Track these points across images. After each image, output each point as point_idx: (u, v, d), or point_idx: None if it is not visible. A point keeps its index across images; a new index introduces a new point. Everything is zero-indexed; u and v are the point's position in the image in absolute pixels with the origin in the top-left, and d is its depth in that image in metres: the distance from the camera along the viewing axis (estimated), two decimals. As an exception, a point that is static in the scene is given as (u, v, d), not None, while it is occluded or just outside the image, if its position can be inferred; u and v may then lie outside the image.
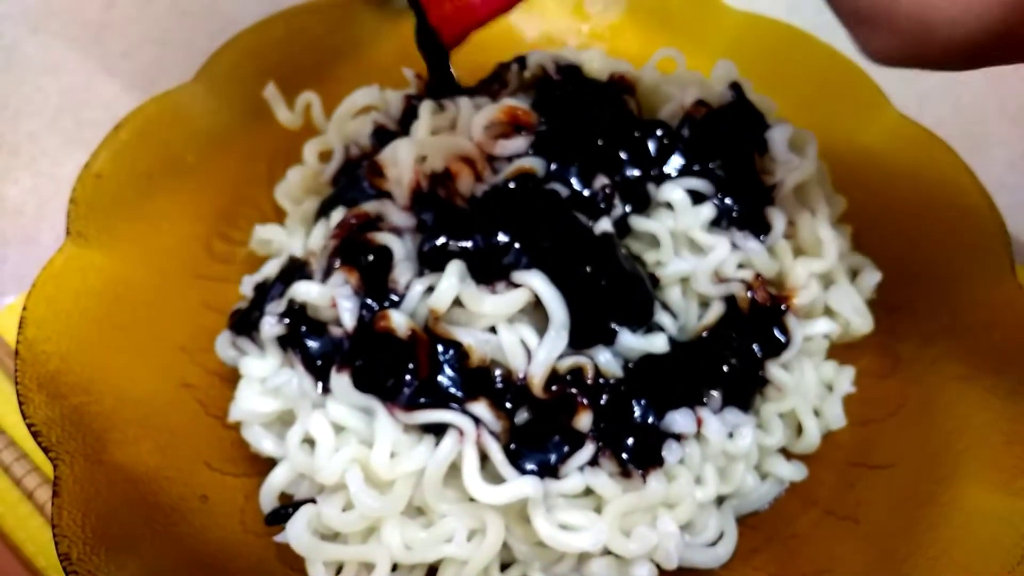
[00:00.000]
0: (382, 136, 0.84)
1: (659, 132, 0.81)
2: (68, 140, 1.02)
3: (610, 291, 0.71)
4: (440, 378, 0.68)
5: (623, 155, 0.80)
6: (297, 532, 0.65)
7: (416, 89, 0.88)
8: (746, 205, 0.78)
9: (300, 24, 0.97)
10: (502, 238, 0.70)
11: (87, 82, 1.09)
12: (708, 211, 0.77)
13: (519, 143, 0.79)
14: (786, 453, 0.78)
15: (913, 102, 0.95)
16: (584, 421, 0.67)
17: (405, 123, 0.85)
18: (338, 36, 1.00)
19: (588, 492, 0.69)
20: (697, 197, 0.78)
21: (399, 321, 0.67)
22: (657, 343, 0.72)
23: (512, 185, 0.76)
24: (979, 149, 0.98)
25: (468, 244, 0.70)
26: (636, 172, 0.80)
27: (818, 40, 0.96)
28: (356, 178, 0.81)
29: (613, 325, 0.71)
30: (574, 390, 0.68)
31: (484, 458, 0.67)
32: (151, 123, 0.86)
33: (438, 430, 0.67)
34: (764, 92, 0.87)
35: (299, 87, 0.92)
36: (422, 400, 0.68)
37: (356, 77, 0.94)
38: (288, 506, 0.69)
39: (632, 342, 0.71)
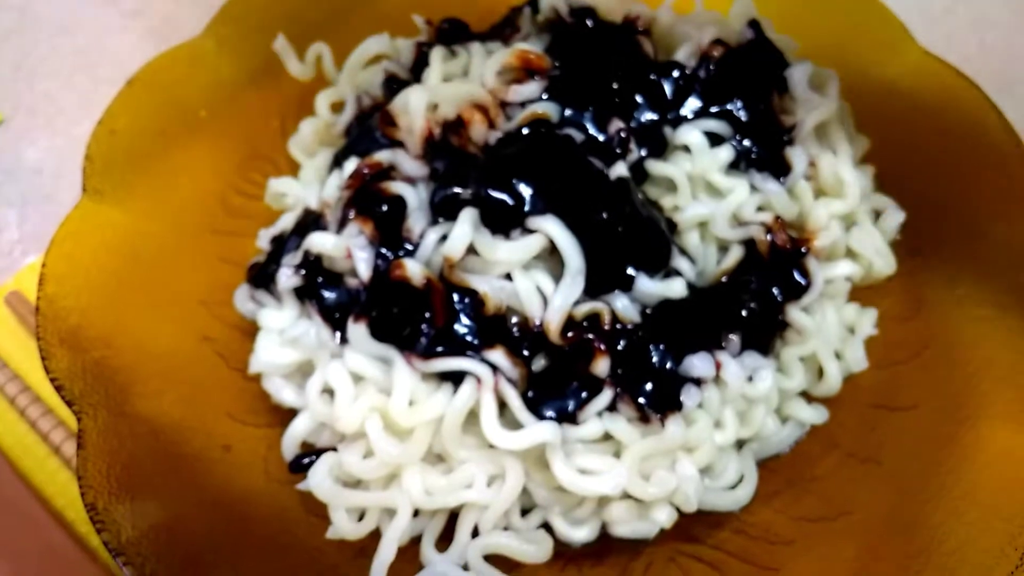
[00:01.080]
0: (394, 85, 0.83)
1: (675, 73, 0.80)
2: (84, 99, 1.03)
3: (626, 236, 0.70)
4: (456, 326, 0.68)
5: (639, 98, 0.79)
6: (319, 480, 0.66)
7: (427, 36, 0.87)
8: (765, 146, 0.77)
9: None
10: (516, 185, 0.69)
11: (100, 40, 1.08)
12: (726, 153, 0.76)
13: (532, 88, 0.77)
14: (807, 396, 0.77)
15: (940, 40, 0.92)
16: (601, 366, 0.67)
17: (417, 71, 0.84)
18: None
19: (607, 437, 0.69)
20: (715, 139, 0.77)
21: (414, 270, 0.67)
22: (675, 288, 0.71)
23: (525, 131, 0.75)
24: (1006, 88, 0.95)
25: (481, 192, 0.70)
26: (652, 115, 0.78)
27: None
28: (368, 128, 0.80)
29: (630, 270, 0.70)
30: (591, 335, 0.67)
31: (502, 405, 0.67)
32: (163, 78, 0.85)
33: (456, 378, 0.67)
34: (784, 32, 0.85)
35: (310, 39, 0.91)
36: (439, 348, 0.68)
37: (367, 28, 0.92)
38: (310, 454, 0.70)
39: (649, 287, 0.70)
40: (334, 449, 0.69)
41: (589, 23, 0.84)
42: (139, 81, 0.84)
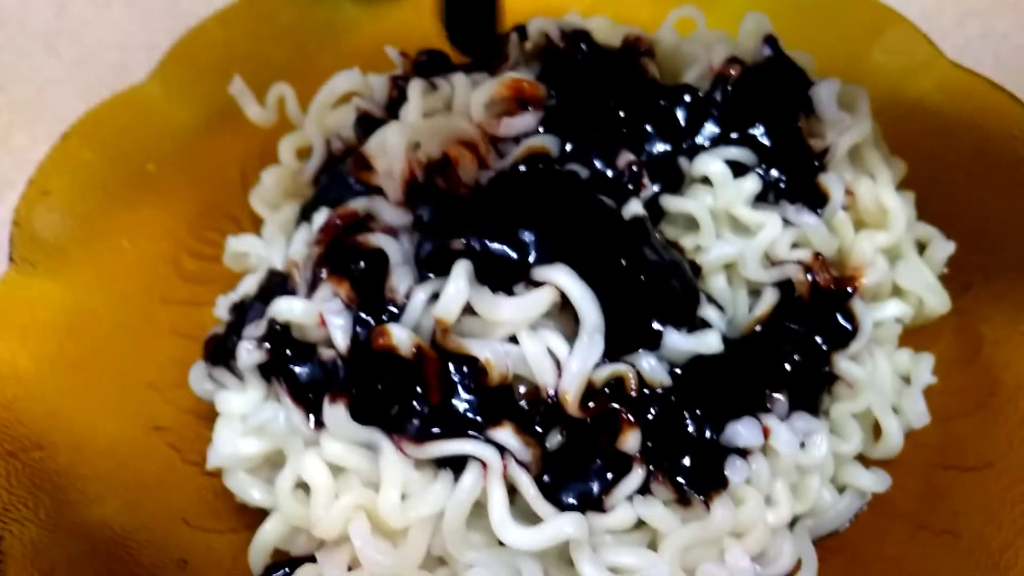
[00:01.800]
0: (367, 125, 0.73)
1: (687, 98, 0.71)
2: (20, 159, 0.92)
3: (648, 285, 0.60)
4: (455, 402, 0.58)
5: (648, 127, 0.70)
6: (295, 600, 0.55)
7: (403, 69, 0.77)
8: (795, 174, 0.68)
9: (268, 10, 0.87)
10: (516, 230, 0.59)
11: (40, 94, 0.99)
12: (752, 184, 0.67)
13: (527, 120, 0.68)
14: (864, 460, 0.67)
15: (953, 55, 0.84)
16: (631, 441, 0.56)
17: (393, 109, 0.74)
18: (311, 23, 0.90)
19: (641, 525, 0.58)
20: (738, 169, 0.67)
21: (401, 337, 0.57)
22: (709, 342, 0.61)
23: (522, 169, 0.66)
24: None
25: (476, 240, 0.59)
26: (665, 145, 0.69)
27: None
28: (340, 174, 0.71)
29: (655, 324, 0.60)
30: (616, 405, 0.57)
31: (513, 493, 0.56)
32: (104, 130, 0.76)
33: (456, 464, 0.57)
34: (798, 49, 0.77)
35: (270, 80, 0.82)
36: (435, 430, 0.57)
37: (333, 67, 0.83)
38: (283, 565, 0.59)
39: (680, 343, 0.60)
40: (312, 559, 0.57)
41: (584, 47, 0.75)
42: (76, 134, 0.74)
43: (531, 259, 0.58)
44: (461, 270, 0.57)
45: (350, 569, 0.56)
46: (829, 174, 0.68)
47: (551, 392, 0.57)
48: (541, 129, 0.68)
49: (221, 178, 0.81)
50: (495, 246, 0.59)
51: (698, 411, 0.60)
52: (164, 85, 0.80)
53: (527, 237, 0.59)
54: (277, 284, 0.67)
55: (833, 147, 0.68)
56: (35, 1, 1.06)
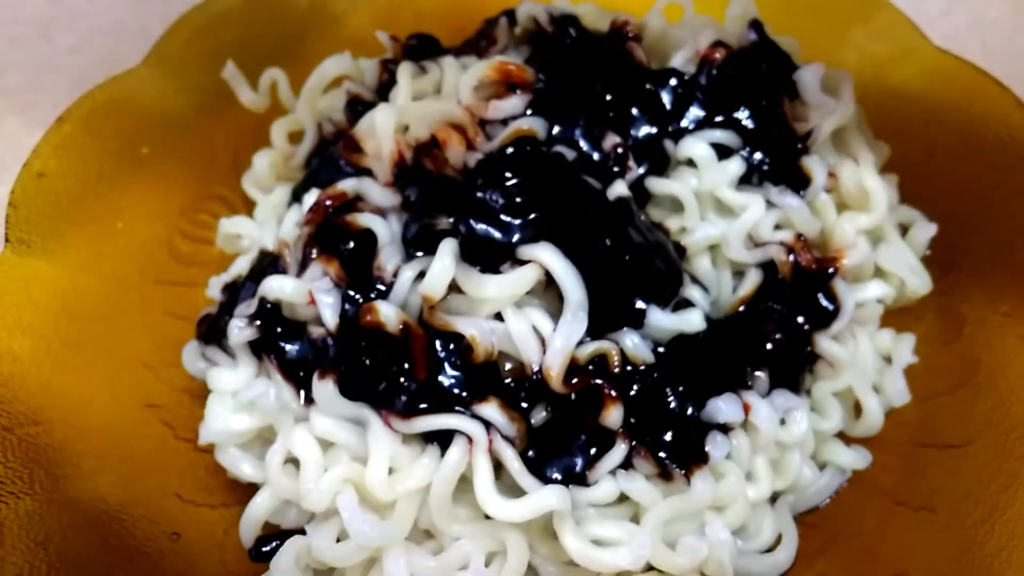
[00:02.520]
0: (358, 108, 0.74)
1: (673, 81, 0.71)
2: (15, 144, 0.92)
3: (632, 264, 0.61)
4: (441, 378, 0.59)
5: (634, 110, 0.71)
6: (284, 570, 0.56)
7: (393, 53, 0.78)
8: (779, 157, 0.68)
9: (261, -3, 0.87)
10: (502, 210, 0.60)
11: (34, 81, 0.99)
12: (736, 166, 0.68)
13: (514, 103, 0.69)
14: (844, 438, 0.68)
15: (940, 43, 0.84)
16: (613, 416, 0.57)
17: (383, 93, 0.75)
18: (304, 8, 0.90)
19: (623, 499, 0.59)
20: (722, 151, 0.68)
21: (388, 314, 0.58)
22: (692, 320, 0.62)
23: (510, 151, 0.66)
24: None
25: (462, 220, 0.60)
26: (651, 128, 0.70)
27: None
28: (331, 157, 0.71)
29: (639, 303, 0.61)
30: (599, 380, 0.58)
31: (499, 468, 0.57)
32: (99, 114, 0.76)
33: (443, 439, 0.57)
34: (784, 34, 0.77)
35: (263, 65, 0.82)
36: (422, 405, 0.58)
37: (326, 52, 0.83)
38: (273, 538, 0.60)
39: (663, 321, 0.61)
40: (302, 531, 0.58)
41: (572, 32, 0.76)
42: (71, 117, 0.75)
43: (517, 238, 0.59)
44: (447, 248, 0.57)
45: (338, 541, 0.57)
46: (812, 157, 0.69)
47: (536, 368, 0.57)
48: (529, 112, 0.69)
49: (214, 161, 0.82)
50: (481, 226, 0.60)
51: (680, 388, 0.60)
52: (158, 69, 0.80)
53: (513, 217, 0.60)
54: (268, 264, 0.67)
55: (816, 130, 0.69)
56: (30, -12, 1.06)
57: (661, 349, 0.62)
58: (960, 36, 1.07)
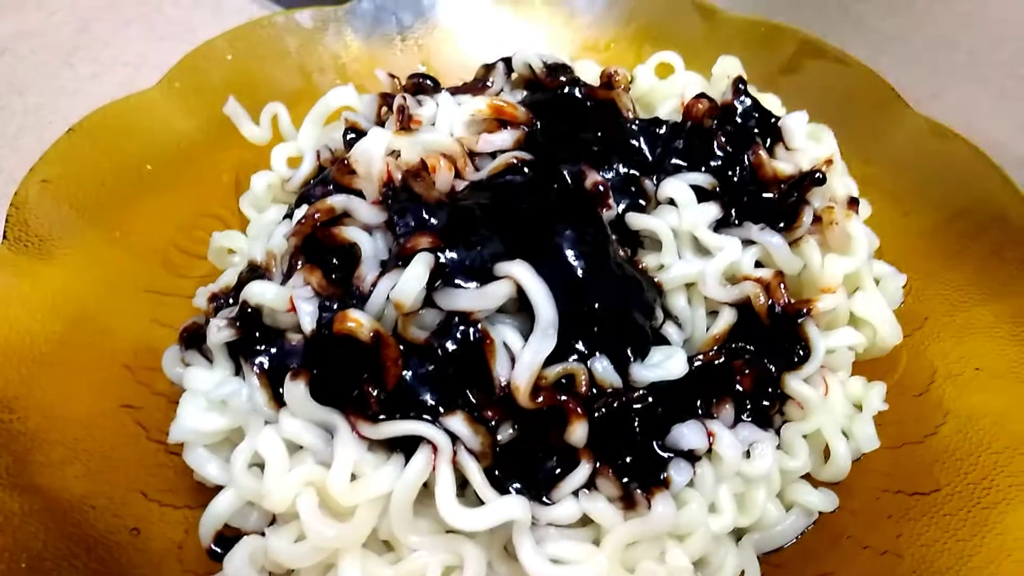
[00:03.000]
0: (356, 138, 0.77)
1: (659, 130, 0.74)
2: (27, 159, 0.96)
3: (607, 295, 0.62)
4: (409, 388, 0.59)
5: (618, 152, 0.73)
6: (237, 567, 0.55)
7: (391, 88, 0.82)
8: (761, 198, 0.70)
9: (275, 34, 0.92)
10: (481, 230, 0.62)
11: (52, 103, 1.03)
12: (714, 210, 0.69)
13: (504, 137, 0.72)
14: (812, 482, 0.68)
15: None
16: (578, 432, 0.57)
17: (382, 125, 0.78)
18: (314, 50, 0.95)
19: (586, 522, 0.59)
20: (702, 195, 0.70)
21: (361, 321, 0.58)
22: (674, 369, 0.62)
23: (497, 181, 0.69)
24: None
25: (442, 238, 0.62)
26: (633, 170, 0.72)
27: (828, 44, 0.90)
28: (325, 179, 0.74)
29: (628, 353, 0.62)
30: (564, 397, 0.58)
31: (463, 485, 0.58)
32: (108, 128, 0.80)
33: (408, 449, 0.58)
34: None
35: (271, 99, 0.86)
36: (389, 412, 0.58)
37: (327, 88, 0.87)
38: (235, 540, 0.59)
39: (646, 375, 0.61)
40: (262, 534, 0.58)
41: (564, 80, 0.79)
42: (80, 129, 0.78)
43: (492, 255, 0.60)
44: (421, 259, 0.59)
45: (296, 542, 0.56)
46: (796, 199, 0.71)
47: (503, 382, 0.58)
48: (517, 148, 0.71)
49: (216, 183, 0.84)
50: (460, 245, 0.61)
51: (646, 412, 0.61)
52: (170, 93, 0.84)
53: (492, 236, 0.61)
54: (254, 275, 0.69)
55: (800, 173, 0.71)
56: (59, 17, 1.12)
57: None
58: (947, 120, 1.11)
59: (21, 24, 1.09)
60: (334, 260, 0.66)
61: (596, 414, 0.59)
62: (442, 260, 0.60)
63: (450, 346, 0.59)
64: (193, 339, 0.69)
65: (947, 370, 0.72)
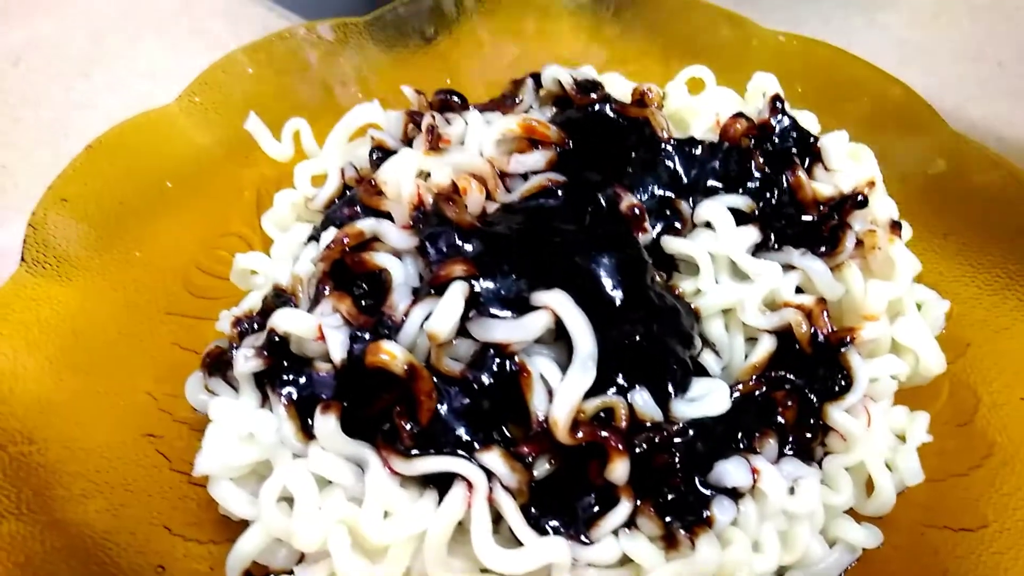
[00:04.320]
0: (383, 156, 0.75)
1: (695, 150, 0.72)
2: (42, 173, 0.94)
3: (645, 325, 0.60)
4: (444, 422, 0.57)
5: (653, 174, 0.71)
6: (267, 609, 0.54)
7: (418, 106, 0.80)
8: (801, 221, 0.68)
9: (295, 47, 0.90)
10: (517, 258, 0.60)
11: (67, 116, 1.02)
12: (753, 233, 0.67)
13: (536, 158, 0.70)
14: (855, 516, 0.66)
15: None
16: (619, 470, 0.55)
17: (408, 143, 0.76)
18: (336, 62, 0.93)
19: (624, 560, 0.57)
20: (740, 218, 0.68)
21: (395, 353, 0.57)
22: (716, 405, 0.60)
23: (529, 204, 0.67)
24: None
25: (477, 266, 0.60)
26: (669, 192, 0.70)
27: (863, 60, 0.88)
28: (351, 199, 0.72)
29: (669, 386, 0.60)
30: (605, 433, 0.56)
31: (497, 520, 0.56)
32: (126, 146, 0.78)
33: (441, 485, 0.56)
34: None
35: (293, 113, 0.84)
36: (423, 448, 0.57)
37: (353, 106, 0.85)
38: (262, 577, 0.58)
39: (686, 411, 0.60)
40: (290, 573, 0.56)
41: (595, 96, 0.77)
42: (99, 147, 0.76)
43: (529, 286, 0.59)
44: (457, 289, 0.57)
45: (327, 583, 0.55)
46: (837, 222, 0.69)
47: (541, 417, 0.56)
48: (550, 168, 0.70)
49: (237, 200, 0.83)
50: (495, 273, 0.59)
51: (687, 447, 0.59)
52: (189, 108, 0.82)
53: (527, 267, 0.60)
54: (280, 300, 0.67)
55: (841, 195, 0.69)
56: (74, 29, 1.10)
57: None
58: (975, 133, 1.09)
59: (33, 33, 1.07)
60: (361, 284, 0.64)
61: (636, 450, 0.58)
62: (477, 289, 0.59)
63: (485, 379, 0.57)
64: (216, 365, 0.67)
65: (991, 399, 0.70)
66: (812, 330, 0.65)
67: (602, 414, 0.58)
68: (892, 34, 1.27)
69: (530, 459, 0.58)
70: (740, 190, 0.71)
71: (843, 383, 0.66)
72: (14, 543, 0.54)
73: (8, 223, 0.92)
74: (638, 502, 0.57)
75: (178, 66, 1.05)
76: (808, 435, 0.65)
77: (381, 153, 0.76)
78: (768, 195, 0.71)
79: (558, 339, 0.59)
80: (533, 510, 0.57)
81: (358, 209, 0.70)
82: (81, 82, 1.06)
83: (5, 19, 1.12)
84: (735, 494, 0.59)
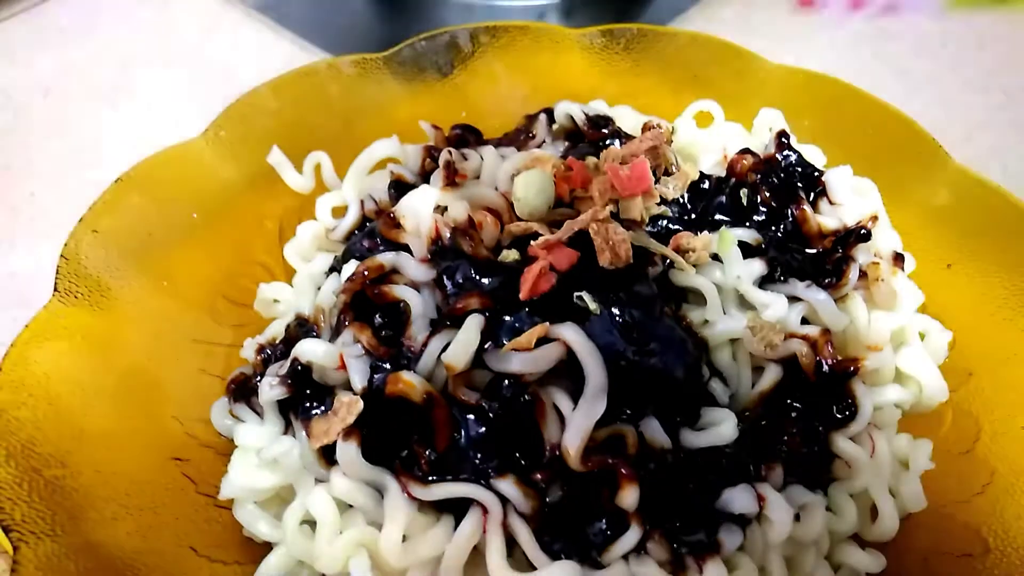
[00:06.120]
0: (400, 189, 0.78)
1: (701, 184, 0.75)
2: (70, 200, 0.97)
3: (653, 356, 0.62)
4: (460, 449, 0.60)
5: (662, 207, 0.74)
6: (290, 630, 0.56)
7: (435, 141, 0.82)
8: (805, 254, 0.71)
9: (318, 82, 0.93)
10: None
11: (95, 143, 1.05)
12: (759, 266, 0.70)
13: (548, 193, 0.72)
14: (859, 542, 0.67)
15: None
16: (630, 497, 0.57)
17: (425, 177, 0.79)
18: (357, 96, 0.96)
19: (634, 585, 0.59)
20: (747, 251, 0.71)
21: (414, 383, 0.59)
22: (723, 434, 0.62)
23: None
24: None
25: (492, 299, 0.62)
26: (676, 226, 0.73)
27: (868, 94, 0.90)
28: (371, 232, 0.75)
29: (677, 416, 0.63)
30: (615, 461, 0.58)
31: (511, 545, 0.58)
32: (155, 178, 0.80)
33: (458, 511, 0.58)
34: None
35: (315, 146, 0.87)
36: (440, 474, 0.59)
37: (375, 138, 0.88)
38: (284, 600, 0.60)
39: (694, 441, 0.62)
40: (312, 593, 0.58)
41: (605, 132, 0.80)
42: (128, 179, 0.79)
43: (542, 319, 0.61)
44: (473, 322, 0.59)
45: (347, 605, 0.57)
46: (840, 255, 0.71)
47: (554, 445, 0.58)
48: (562, 202, 0.72)
49: (260, 231, 0.85)
50: (510, 306, 0.62)
51: (695, 474, 0.61)
52: (215, 142, 0.85)
53: (540, 299, 0.62)
54: (303, 329, 0.70)
55: (845, 229, 0.71)
56: (104, 57, 1.13)
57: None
58: (980, 162, 1.11)
59: (63, 63, 1.11)
60: (384, 315, 0.67)
61: (646, 477, 0.60)
62: (492, 320, 0.61)
63: (500, 408, 0.59)
64: (241, 391, 0.70)
65: (992, 428, 0.71)
66: (817, 360, 0.67)
67: (613, 441, 0.60)
68: (899, 64, 1.29)
69: (543, 485, 0.60)
70: (747, 223, 0.73)
71: (848, 412, 0.68)
72: (50, 564, 0.56)
73: (36, 248, 0.95)
74: (647, 528, 0.59)
75: (204, 98, 1.09)
76: (813, 462, 0.66)
77: (399, 187, 0.79)
78: (774, 228, 0.73)
79: (568, 368, 0.61)
80: (546, 535, 0.59)
81: (377, 241, 0.73)
82: (109, 112, 1.09)
83: (36, 49, 1.16)
84: (742, 520, 0.61)
